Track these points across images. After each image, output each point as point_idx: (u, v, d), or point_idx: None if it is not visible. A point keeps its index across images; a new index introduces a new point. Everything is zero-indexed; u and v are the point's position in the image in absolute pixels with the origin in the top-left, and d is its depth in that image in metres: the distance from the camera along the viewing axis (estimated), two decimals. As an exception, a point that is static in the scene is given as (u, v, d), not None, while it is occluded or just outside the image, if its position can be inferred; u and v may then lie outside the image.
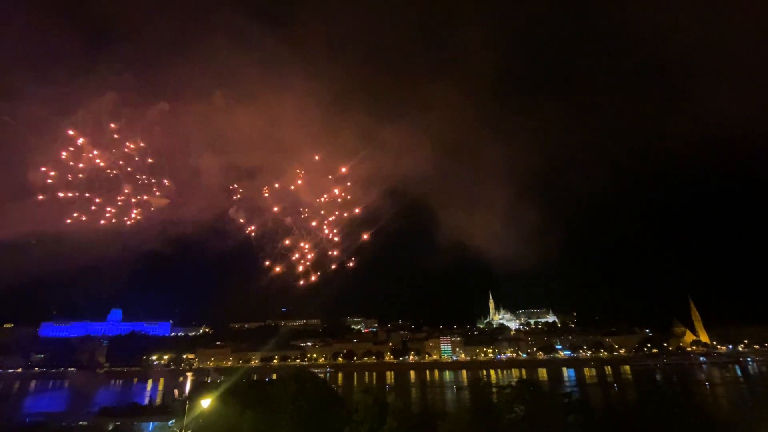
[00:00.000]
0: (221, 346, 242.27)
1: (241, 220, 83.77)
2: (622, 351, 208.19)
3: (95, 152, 74.46)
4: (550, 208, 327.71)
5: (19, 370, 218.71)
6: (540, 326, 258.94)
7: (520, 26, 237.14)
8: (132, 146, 77.93)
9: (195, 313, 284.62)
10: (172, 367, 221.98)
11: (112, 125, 75.95)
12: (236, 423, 40.06)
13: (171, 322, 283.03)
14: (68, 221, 73.31)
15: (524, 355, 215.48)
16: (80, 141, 73.07)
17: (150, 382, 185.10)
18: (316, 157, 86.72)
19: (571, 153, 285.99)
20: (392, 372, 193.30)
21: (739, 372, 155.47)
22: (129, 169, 77.96)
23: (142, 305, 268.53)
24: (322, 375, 79.45)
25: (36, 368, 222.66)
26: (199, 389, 70.29)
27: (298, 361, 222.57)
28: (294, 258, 79.09)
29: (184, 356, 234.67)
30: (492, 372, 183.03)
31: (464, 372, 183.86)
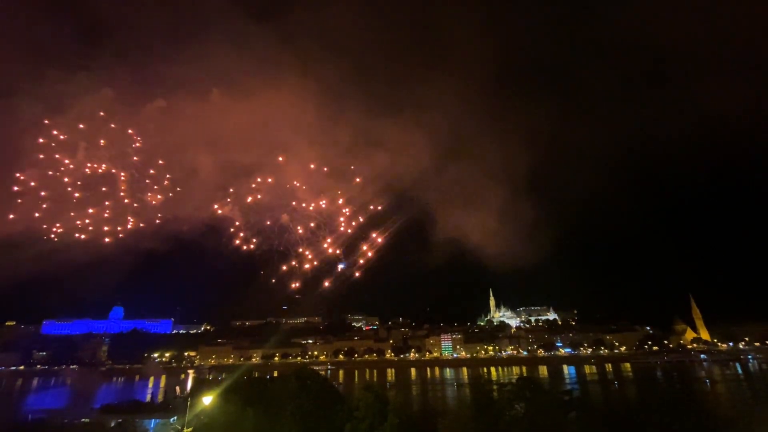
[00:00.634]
0: (222, 343, 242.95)
1: (237, 222, 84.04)
2: (623, 348, 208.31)
3: (90, 150, 74.66)
4: (550, 205, 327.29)
5: (21, 367, 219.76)
6: (540, 324, 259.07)
7: (514, 24, 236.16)
8: (128, 144, 78.09)
9: (196, 310, 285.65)
10: (173, 365, 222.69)
11: (108, 124, 76.16)
12: (237, 420, 40.18)
13: (172, 319, 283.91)
14: (65, 219, 73.59)
15: (525, 353, 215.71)
16: (75, 139, 73.27)
17: (152, 379, 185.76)
18: (312, 165, 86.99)
19: (568, 150, 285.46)
20: (393, 369, 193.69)
21: (739, 370, 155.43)
22: (124, 166, 78.16)
23: (143, 303, 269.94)
24: (323, 372, 79.56)
25: (38, 366, 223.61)
26: (200, 387, 70.50)
27: (299, 358, 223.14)
28: (292, 263, 79.36)
29: (186, 354, 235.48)
30: (492, 369, 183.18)
31: (465, 369, 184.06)
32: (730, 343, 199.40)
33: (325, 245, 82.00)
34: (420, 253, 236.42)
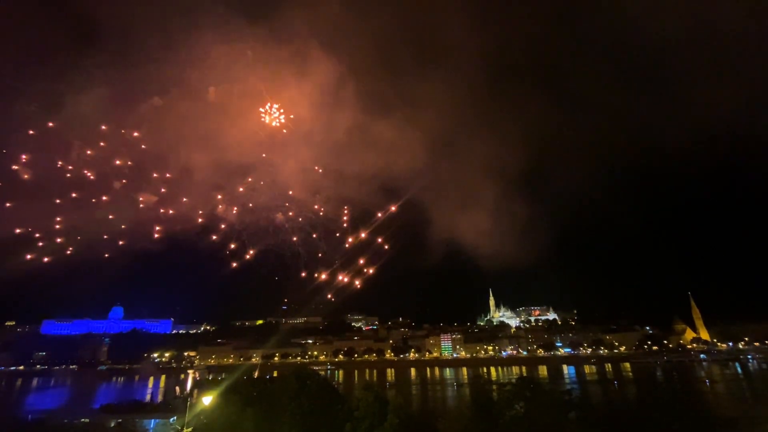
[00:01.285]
0: (222, 343, 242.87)
1: (232, 222, 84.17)
2: (623, 348, 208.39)
3: (84, 148, 74.67)
4: (546, 205, 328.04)
5: (21, 367, 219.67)
6: (540, 324, 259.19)
7: (508, 22, 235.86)
8: (122, 143, 78.13)
9: (196, 310, 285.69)
10: (173, 365, 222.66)
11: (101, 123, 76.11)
12: (237, 420, 40.16)
13: (172, 319, 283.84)
14: (62, 218, 73.58)
15: (524, 353, 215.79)
16: (69, 137, 73.27)
17: (151, 379, 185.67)
18: (307, 165, 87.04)
19: (563, 148, 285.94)
20: (393, 369, 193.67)
21: (739, 369, 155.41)
22: (119, 165, 78.20)
23: (143, 303, 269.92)
24: (322, 372, 79.67)
25: (38, 366, 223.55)
26: (200, 386, 70.51)
27: (299, 358, 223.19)
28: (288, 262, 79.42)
29: (186, 354, 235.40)
30: (492, 369, 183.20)
31: (464, 369, 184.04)
32: (730, 343, 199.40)
33: (320, 243, 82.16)
34: (418, 253, 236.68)
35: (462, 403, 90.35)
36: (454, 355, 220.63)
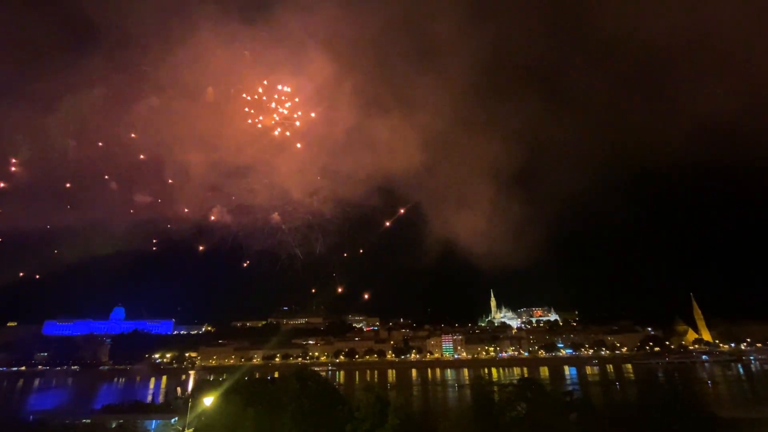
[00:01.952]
0: (223, 344, 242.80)
1: (229, 222, 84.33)
2: (624, 349, 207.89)
3: (82, 148, 74.88)
4: (544, 205, 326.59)
5: (23, 368, 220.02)
6: (541, 325, 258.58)
7: (503, 23, 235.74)
8: (119, 142, 78.28)
9: (197, 311, 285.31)
10: (175, 366, 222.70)
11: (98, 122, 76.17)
12: (238, 421, 40.20)
13: (173, 320, 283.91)
14: (59, 218, 73.78)
15: (526, 354, 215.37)
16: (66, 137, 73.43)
17: (153, 380, 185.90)
18: (307, 156, 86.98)
19: (564, 148, 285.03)
20: (394, 370, 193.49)
21: (741, 370, 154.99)
22: (116, 164, 78.41)
23: (144, 303, 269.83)
24: (323, 373, 79.53)
25: (39, 366, 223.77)
26: (201, 387, 70.59)
27: (299, 359, 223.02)
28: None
29: (187, 354, 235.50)
30: (494, 370, 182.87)
31: (466, 370, 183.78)
32: (732, 344, 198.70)
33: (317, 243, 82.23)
34: (417, 253, 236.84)
35: (463, 404, 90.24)
36: (455, 356, 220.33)
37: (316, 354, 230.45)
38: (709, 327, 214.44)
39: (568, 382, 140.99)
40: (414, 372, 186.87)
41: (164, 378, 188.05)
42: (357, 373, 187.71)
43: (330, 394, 46.69)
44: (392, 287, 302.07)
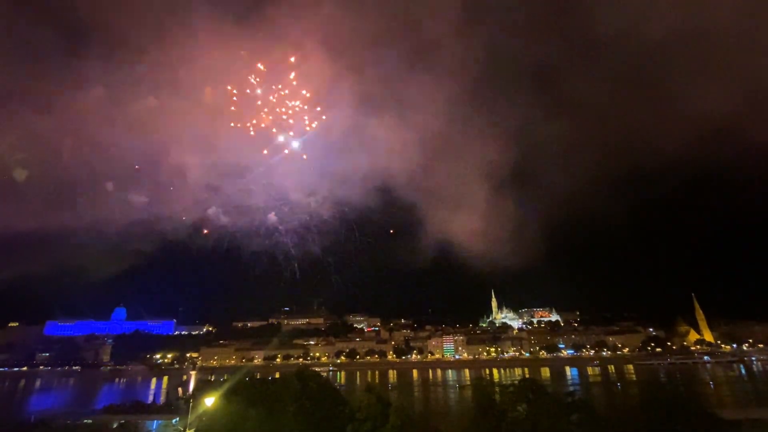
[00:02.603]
0: (224, 344, 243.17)
1: (226, 222, 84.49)
2: (626, 350, 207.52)
3: (78, 149, 75.04)
4: (551, 206, 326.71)
5: (25, 368, 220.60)
6: (543, 325, 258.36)
7: (499, 23, 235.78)
8: (117, 142, 78.44)
9: (198, 311, 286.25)
10: (176, 366, 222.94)
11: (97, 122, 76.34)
12: (239, 421, 40.20)
13: (174, 320, 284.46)
14: (57, 217, 73.97)
15: (527, 354, 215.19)
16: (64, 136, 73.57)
17: (154, 380, 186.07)
18: (304, 156, 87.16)
19: (563, 149, 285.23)
20: (395, 371, 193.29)
21: (743, 371, 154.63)
22: (114, 164, 78.59)
23: (145, 304, 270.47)
24: (324, 374, 79.41)
25: (41, 366, 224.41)
26: (202, 388, 70.62)
27: (300, 359, 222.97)
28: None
29: (188, 355, 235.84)
30: (495, 371, 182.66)
31: (467, 371, 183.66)
32: (734, 345, 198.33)
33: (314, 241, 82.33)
34: (417, 254, 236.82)
35: (464, 404, 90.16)
36: (456, 357, 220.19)
37: (317, 354, 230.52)
38: (711, 328, 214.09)
39: (570, 382, 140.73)
40: (415, 372, 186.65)
41: (165, 378, 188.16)
42: (358, 373, 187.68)
43: (331, 395, 46.66)
44: (393, 288, 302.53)
